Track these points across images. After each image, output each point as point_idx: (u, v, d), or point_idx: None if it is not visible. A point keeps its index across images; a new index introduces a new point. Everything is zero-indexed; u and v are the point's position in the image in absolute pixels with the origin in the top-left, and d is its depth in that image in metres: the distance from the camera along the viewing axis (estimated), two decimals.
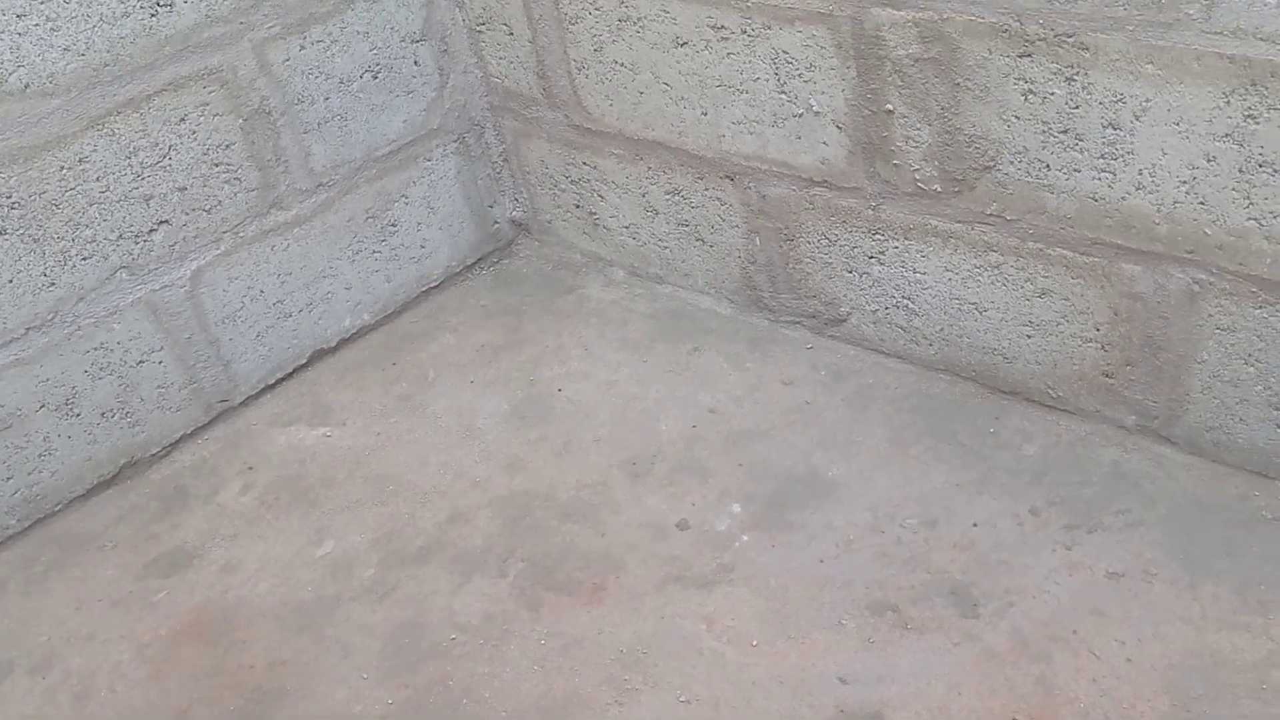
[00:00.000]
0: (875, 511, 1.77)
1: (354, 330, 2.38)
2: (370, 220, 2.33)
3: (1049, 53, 1.57)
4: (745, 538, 1.77)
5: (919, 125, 1.76)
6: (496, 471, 2.00)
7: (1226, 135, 1.47)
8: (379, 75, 2.26)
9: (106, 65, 1.90)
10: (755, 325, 2.22)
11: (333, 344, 2.36)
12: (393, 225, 2.37)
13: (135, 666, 1.76)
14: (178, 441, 2.19)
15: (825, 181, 1.95)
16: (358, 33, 2.20)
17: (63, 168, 1.90)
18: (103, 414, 2.07)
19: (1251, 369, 1.62)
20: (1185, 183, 1.54)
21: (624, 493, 1.90)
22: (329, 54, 2.17)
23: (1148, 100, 1.52)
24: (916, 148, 1.79)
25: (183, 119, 2.01)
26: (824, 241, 2.02)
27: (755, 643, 1.61)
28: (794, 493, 1.83)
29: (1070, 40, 1.54)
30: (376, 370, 2.31)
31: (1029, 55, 1.59)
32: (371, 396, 2.24)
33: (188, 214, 2.07)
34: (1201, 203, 1.54)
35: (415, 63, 2.31)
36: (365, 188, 2.31)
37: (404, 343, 2.38)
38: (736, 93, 1.97)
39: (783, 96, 1.91)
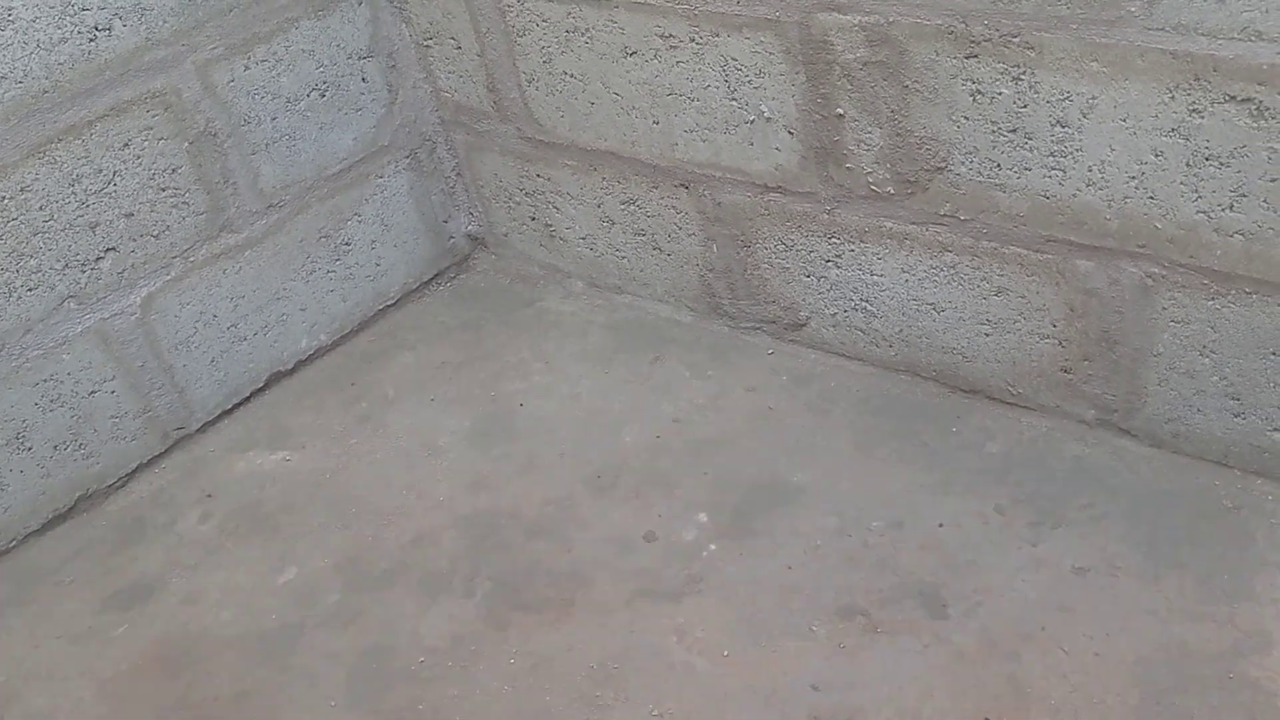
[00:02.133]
0: (841, 515, 1.76)
1: (311, 351, 2.35)
2: (323, 240, 2.31)
3: (995, 53, 1.57)
4: (713, 547, 1.76)
5: (870, 128, 1.76)
6: (460, 490, 1.98)
7: (1172, 130, 1.48)
8: (326, 93, 2.23)
9: (45, 92, 1.86)
10: (716, 332, 2.22)
11: (290, 366, 2.33)
12: (346, 244, 2.34)
13: (97, 703, 1.73)
14: (134, 471, 2.15)
15: (779, 187, 1.95)
16: (303, 51, 2.18)
17: (4, 197, 1.86)
18: (55, 447, 2.03)
19: (1206, 360, 1.63)
20: (1134, 178, 1.55)
21: (589, 507, 1.88)
22: (274, 73, 2.14)
23: (1094, 98, 1.53)
24: (868, 151, 1.79)
25: (126, 144, 1.97)
26: (781, 247, 2.02)
27: (726, 653, 1.60)
28: (760, 500, 1.83)
29: (1015, 40, 1.55)
30: (335, 391, 2.28)
31: (975, 56, 1.59)
32: (331, 418, 2.21)
33: (135, 240, 2.03)
34: (1151, 197, 1.55)
35: (363, 79, 2.29)
36: (317, 207, 2.28)
37: (362, 362, 2.35)
38: (687, 101, 1.96)
39: (734, 103, 1.90)
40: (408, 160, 2.41)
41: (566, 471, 1.97)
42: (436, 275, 2.53)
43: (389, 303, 2.46)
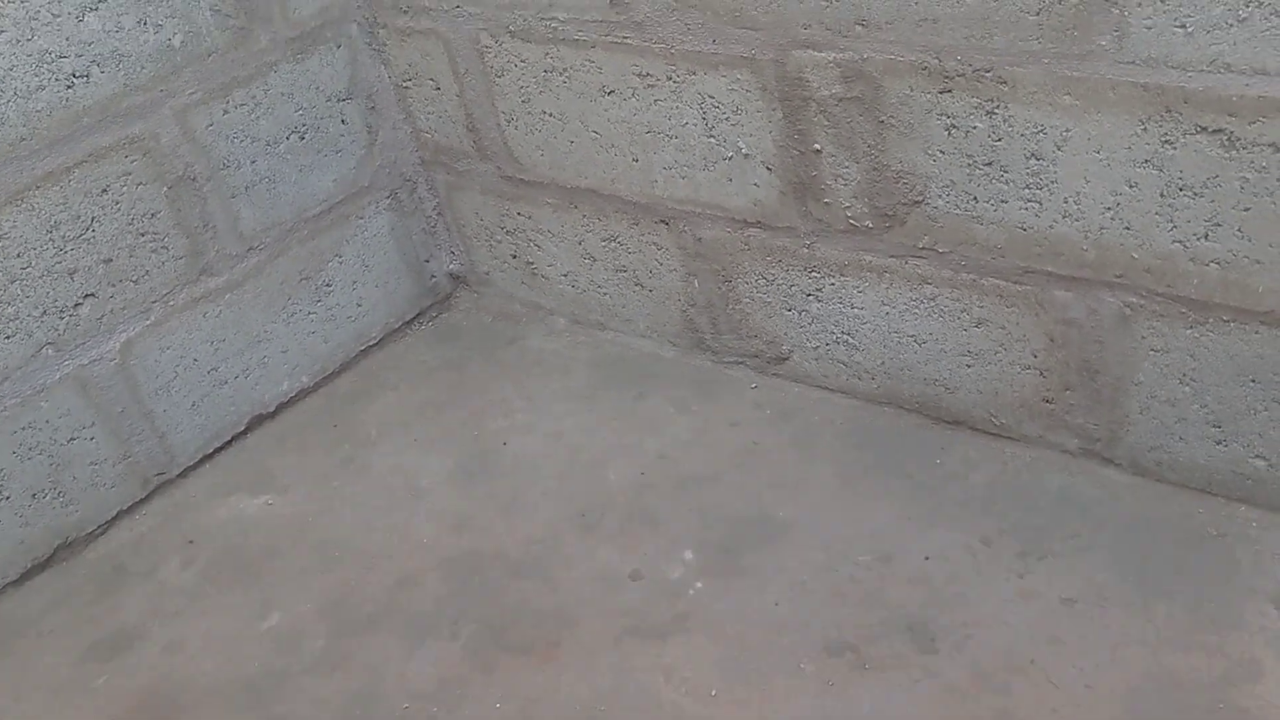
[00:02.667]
0: (828, 550, 1.76)
1: (293, 393, 2.34)
2: (304, 281, 2.30)
3: (968, 88, 1.59)
4: (699, 585, 1.75)
5: (847, 163, 1.77)
6: (444, 531, 1.96)
7: (1146, 161, 1.50)
8: (306, 136, 2.24)
9: (23, 139, 1.86)
10: (699, 367, 2.21)
11: (271, 409, 2.31)
12: (327, 285, 2.34)
13: None
14: (114, 519, 2.12)
15: (759, 222, 1.96)
16: (282, 94, 2.18)
17: None
18: (34, 495, 2.00)
19: (1187, 388, 1.64)
20: (1110, 209, 1.56)
21: (575, 546, 1.87)
22: (253, 117, 2.15)
23: (1068, 130, 1.54)
24: (846, 185, 1.80)
25: (105, 190, 1.97)
26: (762, 281, 2.03)
27: (714, 692, 1.58)
28: (746, 536, 1.82)
29: (988, 75, 1.56)
30: (317, 433, 2.27)
31: (949, 91, 1.61)
32: (313, 461, 2.20)
33: (114, 285, 2.02)
34: (1127, 228, 1.56)
35: (342, 121, 2.29)
36: (297, 249, 2.28)
37: (345, 404, 2.34)
38: (666, 138, 1.97)
39: (712, 140, 1.91)
40: (388, 200, 2.41)
41: (551, 510, 1.95)
42: (418, 315, 2.53)
43: (371, 343, 2.45)
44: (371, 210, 2.39)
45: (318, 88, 2.24)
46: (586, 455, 2.06)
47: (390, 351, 2.46)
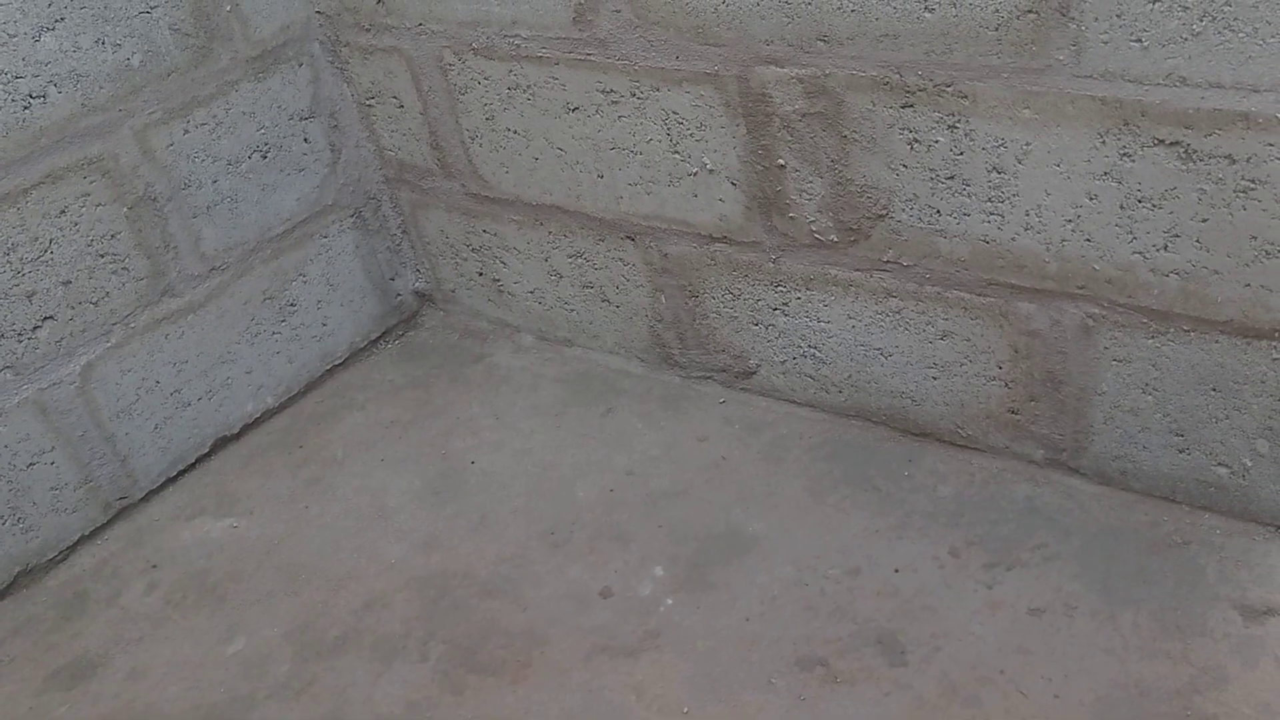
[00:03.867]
0: (797, 564, 1.76)
1: (257, 414, 2.32)
2: (268, 301, 2.28)
3: (930, 102, 1.60)
4: (670, 601, 1.75)
5: (811, 178, 1.78)
6: (412, 551, 1.95)
7: (1105, 174, 1.51)
8: (268, 155, 2.22)
9: None
10: (667, 383, 2.21)
11: (236, 430, 2.29)
12: (292, 305, 2.32)
13: None
14: (75, 544, 2.09)
15: (725, 237, 1.96)
16: (243, 113, 2.16)
17: None
18: None
19: (1150, 398, 1.66)
20: (1071, 221, 1.58)
21: (544, 564, 1.86)
22: (214, 136, 2.13)
23: (1028, 144, 1.55)
24: (810, 200, 1.81)
25: (63, 211, 1.94)
26: (728, 296, 2.03)
27: (686, 710, 1.58)
28: (716, 551, 1.82)
29: (949, 89, 1.57)
30: (283, 454, 2.25)
31: (911, 106, 1.62)
32: (279, 482, 2.17)
33: (74, 308, 1.99)
34: (1088, 240, 1.58)
35: (305, 140, 2.28)
36: (261, 269, 2.26)
37: (310, 424, 2.32)
38: (630, 154, 1.98)
39: (676, 156, 1.92)
40: (352, 219, 2.40)
41: (520, 528, 1.94)
42: (384, 333, 2.51)
43: (336, 362, 2.43)
44: (336, 229, 2.38)
45: (280, 106, 2.22)
46: (555, 472, 2.05)
47: (356, 371, 2.45)
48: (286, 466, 2.21)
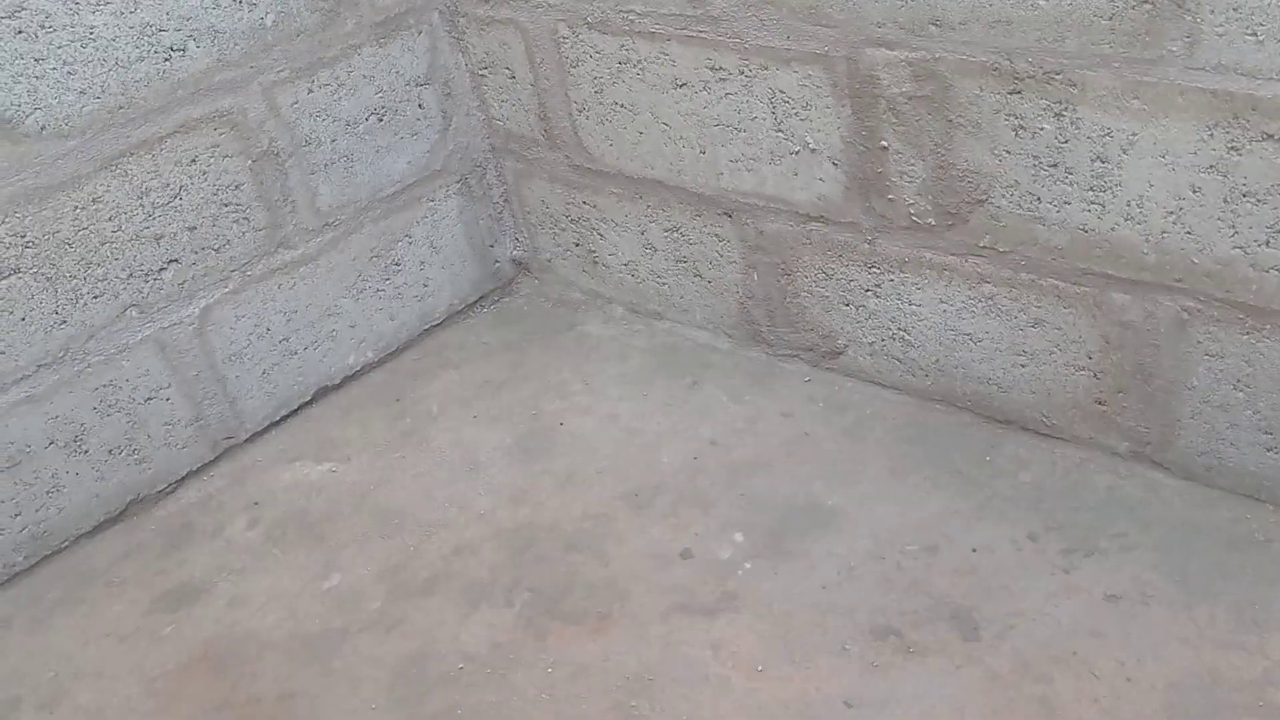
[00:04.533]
0: (876, 539, 1.79)
1: (358, 368, 2.42)
2: (375, 259, 2.38)
3: (1038, 89, 1.62)
4: (748, 565, 1.80)
5: (913, 161, 1.81)
6: (501, 504, 2.02)
7: (1211, 167, 1.52)
8: (384, 118, 2.31)
9: (121, 108, 1.94)
10: (753, 359, 2.26)
11: (337, 381, 2.39)
12: (396, 264, 2.41)
13: (143, 700, 1.77)
14: (184, 478, 2.21)
15: (822, 217, 2.00)
16: (364, 77, 2.26)
17: (76, 207, 1.94)
18: (110, 451, 2.09)
19: (1240, 394, 1.66)
20: (1172, 213, 1.59)
21: (627, 523, 1.92)
22: (336, 97, 2.23)
23: (1134, 134, 1.57)
24: (911, 183, 1.84)
25: (194, 160, 2.05)
26: (821, 276, 2.07)
27: (760, 668, 1.63)
28: (795, 522, 1.86)
29: (1058, 77, 1.59)
30: (380, 407, 2.34)
31: (1019, 92, 1.64)
32: (376, 432, 2.27)
33: (197, 253, 2.11)
34: (1188, 232, 1.59)
35: (420, 106, 2.37)
36: (370, 227, 2.35)
37: (407, 380, 2.41)
38: (734, 131, 2.02)
39: (779, 135, 1.96)
40: (458, 185, 2.48)
41: (605, 489, 2.01)
42: (481, 298, 2.60)
43: (435, 323, 2.52)
44: (442, 194, 2.46)
45: (398, 72, 2.31)
46: (641, 438, 2.11)
47: (453, 332, 2.53)
48: (384, 418, 2.31)
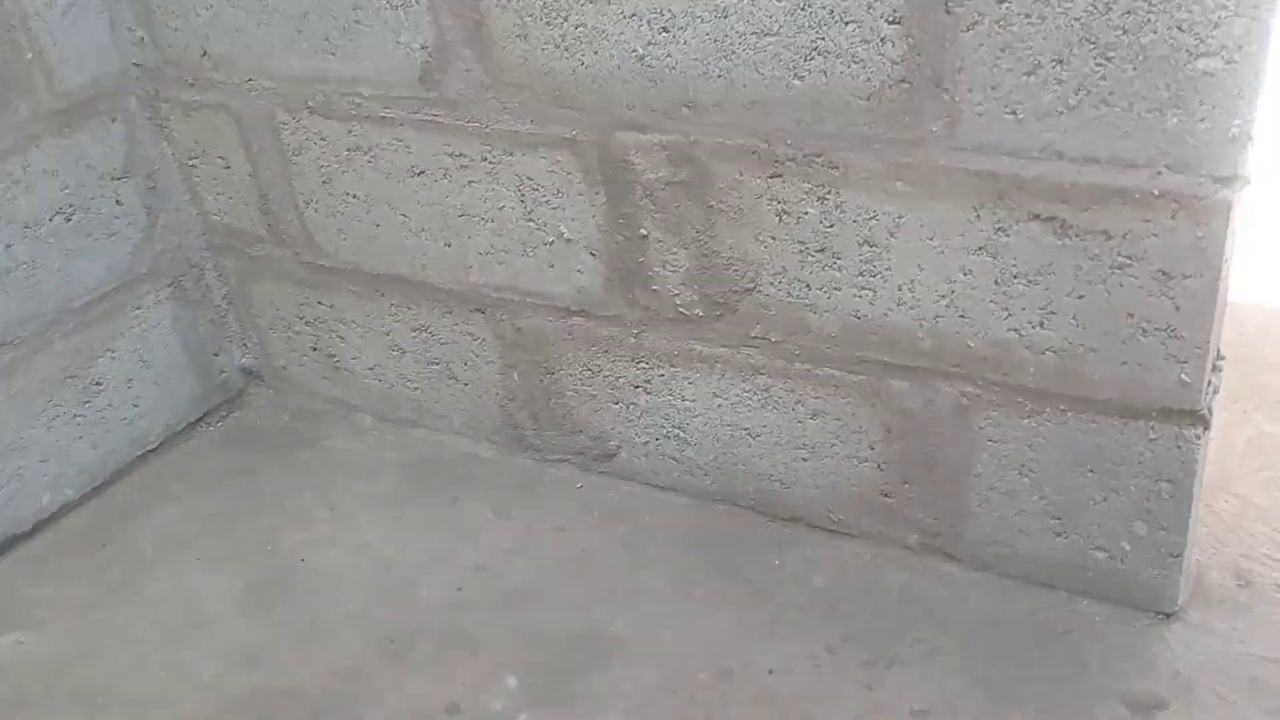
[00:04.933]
0: (664, 669, 1.61)
1: (55, 509, 2.05)
2: (69, 381, 2.03)
3: (799, 173, 1.52)
4: (524, 717, 1.57)
5: (675, 249, 1.68)
6: (231, 667, 1.72)
7: (980, 249, 1.46)
8: (73, 218, 1.99)
9: None
10: (520, 467, 2.06)
11: (28, 528, 2.01)
12: (97, 384, 2.07)
13: None
14: None
15: (583, 310, 1.83)
16: (44, 172, 1.93)
17: None
18: None
19: (1026, 480, 1.60)
20: (944, 297, 1.51)
21: (383, 678, 1.66)
22: (10, 196, 1.89)
23: (900, 217, 1.49)
24: (675, 272, 1.70)
25: None
26: (586, 373, 1.90)
27: None
28: (576, 657, 1.66)
29: (819, 160, 1.50)
30: (83, 555, 1.98)
31: (780, 176, 1.54)
32: (76, 589, 1.91)
33: None
34: (962, 316, 1.52)
35: (117, 202, 2.06)
36: (61, 344, 2.01)
37: (116, 519, 2.06)
38: (481, 222, 1.84)
39: (531, 224, 1.79)
40: (170, 289, 2.18)
41: (355, 637, 1.74)
42: (205, 415, 2.28)
43: (149, 448, 2.19)
44: (151, 300, 2.15)
45: (88, 165, 2.00)
46: (396, 571, 1.86)
47: (172, 457, 2.20)
48: (87, 570, 1.95)
